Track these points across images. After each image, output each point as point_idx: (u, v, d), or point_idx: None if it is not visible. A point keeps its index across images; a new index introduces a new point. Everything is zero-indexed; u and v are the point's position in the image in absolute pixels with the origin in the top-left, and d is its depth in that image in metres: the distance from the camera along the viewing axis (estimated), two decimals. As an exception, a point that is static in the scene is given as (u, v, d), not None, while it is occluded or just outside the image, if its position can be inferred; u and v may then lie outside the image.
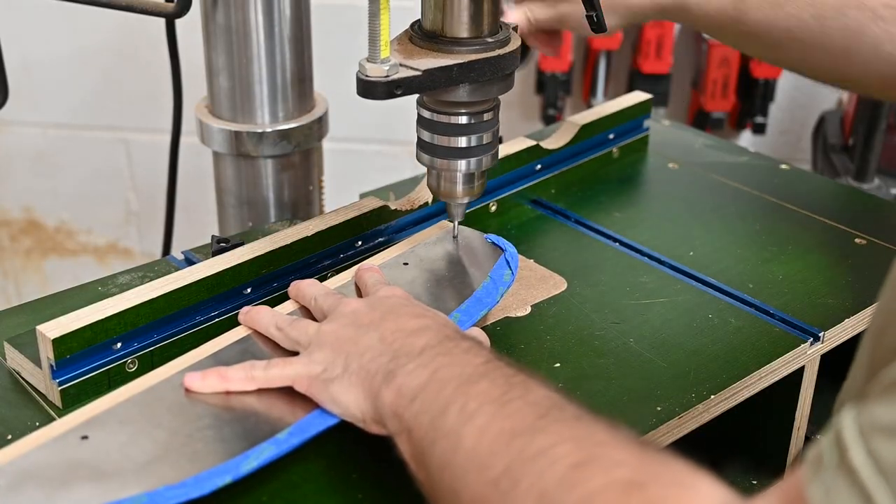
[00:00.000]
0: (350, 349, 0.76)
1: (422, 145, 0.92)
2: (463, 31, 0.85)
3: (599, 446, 0.60)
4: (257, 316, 0.86)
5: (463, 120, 0.89)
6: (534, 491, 0.58)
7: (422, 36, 0.86)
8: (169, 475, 0.71)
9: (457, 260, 0.97)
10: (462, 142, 0.90)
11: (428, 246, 0.98)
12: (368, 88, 0.82)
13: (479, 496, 0.61)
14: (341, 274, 0.94)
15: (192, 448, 0.74)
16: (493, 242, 0.97)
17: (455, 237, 0.99)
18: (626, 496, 0.55)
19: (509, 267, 0.94)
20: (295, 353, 0.81)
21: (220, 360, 0.83)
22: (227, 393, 0.79)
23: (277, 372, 0.78)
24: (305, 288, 0.88)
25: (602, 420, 0.63)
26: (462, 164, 0.91)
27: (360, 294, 0.90)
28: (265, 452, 0.73)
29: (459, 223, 0.97)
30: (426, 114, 0.90)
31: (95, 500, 0.68)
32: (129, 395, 0.79)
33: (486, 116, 0.90)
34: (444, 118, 0.89)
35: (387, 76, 0.81)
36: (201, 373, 0.79)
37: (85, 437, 0.74)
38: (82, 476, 0.70)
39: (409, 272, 0.94)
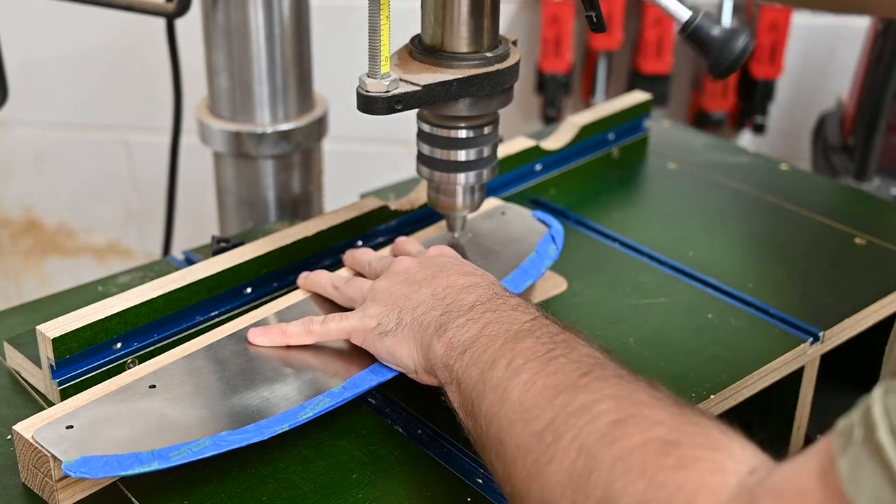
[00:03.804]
0: (403, 304, 0.80)
1: (421, 158, 0.92)
2: (463, 46, 0.85)
3: (639, 405, 0.61)
4: (316, 278, 0.91)
5: (462, 134, 0.89)
6: (575, 444, 0.60)
7: (422, 50, 0.86)
8: (231, 422, 0.75)
9: (504, 235, 1.00)
10: (462, 155, 0.90)
11: (477, 221, 1.02)
12: (369, 104, 0.82)
13: (523, 446, 0.64)
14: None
15: (253, 398, 0.78)
16: (540, 219, 1.01)
17: (503, 213, 1.03)
18: (661, 455, 0.57)
19: (554, 242, 0.98)
20: (351, 311, 0.85)
21: (282, 318, 0.88)
22: (287, 348, 0.84)
23: (334, 325, 0.83)
24: (360, 255, 0.93)
25: (643, 380, 0.65)
26: (462, 178, 0.91)
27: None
28: (321, 404, 0.78)
29: (458, 236, 0.97)
30: (426, 127, 0.90)
31: (162, 443, 0.72)
32: (196, 348, 0.83)
33: (486, 130, 0.90)
34: (443, 132, 0.89)
35: (387, 91, 0.82)
36: (263, 328, 0.85)
37: (153, 386, 0.78)
38: (150, 421, 0.74)
39: (459, 245, 0.98)
